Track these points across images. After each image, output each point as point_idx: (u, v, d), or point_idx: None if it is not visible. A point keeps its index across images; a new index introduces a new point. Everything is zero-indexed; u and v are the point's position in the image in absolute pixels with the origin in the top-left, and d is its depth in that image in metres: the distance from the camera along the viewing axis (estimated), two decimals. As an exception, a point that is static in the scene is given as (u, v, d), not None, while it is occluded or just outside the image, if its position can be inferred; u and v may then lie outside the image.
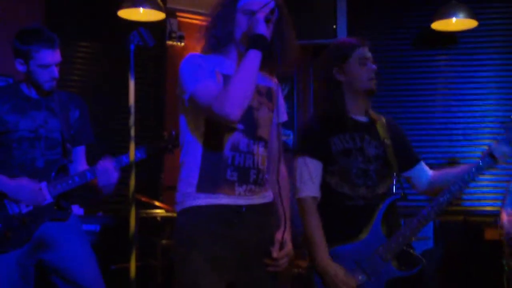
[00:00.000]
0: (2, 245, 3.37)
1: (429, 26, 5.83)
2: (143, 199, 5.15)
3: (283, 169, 2.94)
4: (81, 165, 3.67)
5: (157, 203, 5.29)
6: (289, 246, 2.83)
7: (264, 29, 2.61)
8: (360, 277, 3.11)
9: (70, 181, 3.48)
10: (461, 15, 5.63)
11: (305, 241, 3.21)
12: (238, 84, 2.55)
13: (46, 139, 3.50)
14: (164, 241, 5.13)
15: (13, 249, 3.38)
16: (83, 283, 3.44)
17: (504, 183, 4.70)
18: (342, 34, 5.97)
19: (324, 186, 3.21)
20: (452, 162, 5.91)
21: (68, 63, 5.73)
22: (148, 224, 5.27)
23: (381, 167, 3.24)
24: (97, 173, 3.45)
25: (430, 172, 3.39)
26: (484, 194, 5.83)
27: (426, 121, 6.09)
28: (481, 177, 3.21)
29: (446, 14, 5.67)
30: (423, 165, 3.40)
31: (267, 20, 2.64)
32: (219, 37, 2.75)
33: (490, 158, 3.15)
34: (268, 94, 2.85)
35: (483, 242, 5.30)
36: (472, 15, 5.65)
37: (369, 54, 3.24)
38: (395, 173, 3.29)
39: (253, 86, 2.61)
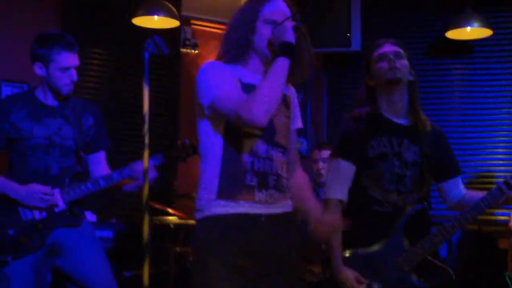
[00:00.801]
0: (16, 251, 3.39)
1: (444, 35, 5.82)
2: (157, 206, 5.16)
3: (300, 172, 2.97)
4: (104, 170, 3.70)
5: (170, 210, 5.29)
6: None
7: (292, 37, 2.65)
8: (376, 286, 3.10)
9: (83, 188, 3.51)
10: (475, 24, 5.62)
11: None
12: (266, 89, 2.59)
13: (60, 146, 3.52)
14: (177, 248, 5.13)
15: (27, 255, 3.39)
16: None
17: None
18: (356, 43, 5.97)
19: (359, 188, 3.21)
20: (466, 172, 5.89)
21: (82, 70, 5.74)
22: (161, 231, 5.27)
23: (418, 174, 3.20)
24: (136, 173, 3.50)
25: (464, 190, 3.34)
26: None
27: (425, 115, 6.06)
28: (495, 185, 3.19)
29: (460, 23, 5.66)
30: (459, 181, 3.35)
31: (295, 29, 2.67)
32: (238, 46, 2.76)
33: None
34: (285, 101, 2.85)
35: (497, 252, 5.28)
36: (486, 24, 5.64)
37: (387, 50, 3.18)
38: (430, 183, 3.26)
39: (281, 93, 2.65)
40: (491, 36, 5.77)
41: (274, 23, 2.72)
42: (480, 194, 3.25)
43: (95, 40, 5.90)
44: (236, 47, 2.77)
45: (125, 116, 5.90)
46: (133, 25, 5.55)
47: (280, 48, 2.66)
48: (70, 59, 3.48)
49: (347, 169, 3.20)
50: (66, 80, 3.49)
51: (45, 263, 3.45)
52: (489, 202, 3.12)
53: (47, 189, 3.43)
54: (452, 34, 5.78)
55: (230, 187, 2.70)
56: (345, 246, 3.15)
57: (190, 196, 5.33)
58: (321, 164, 4.81)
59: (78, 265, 3.47)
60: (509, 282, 4.20)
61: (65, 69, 3.47)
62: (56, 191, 3.46)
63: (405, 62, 3.17)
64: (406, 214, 3.15)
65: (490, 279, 5.24)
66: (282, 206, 2.78)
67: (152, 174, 3.48)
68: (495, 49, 6.09)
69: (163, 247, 5.11)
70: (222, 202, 2.70)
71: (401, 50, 3.18)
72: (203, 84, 2.71)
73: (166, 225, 5.30)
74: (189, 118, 6.20)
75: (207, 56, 6.21)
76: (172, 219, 5.38)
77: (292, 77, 2.77)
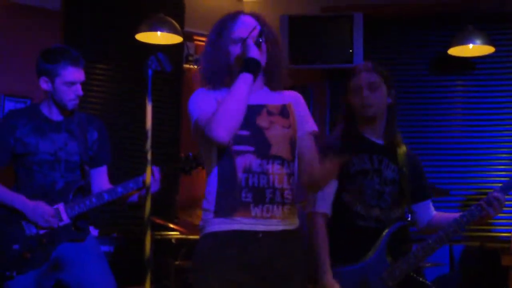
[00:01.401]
0: (20, 266, 3.39)
1: (446, 52, 5.84)
2: (158, 221, 5.16)
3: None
4: (105, 184, 3.72)
5: (171, 225, 5.29)
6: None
7: (255, 52, 2.69)
8: None
9: (87, 202, 3.51)
10: (478, 41, 5.63)
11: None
12: (226, 106, 2.64)
13: (66, 162, 3.54)
14: (178, 263, 5.12)
15: (32, 269, 3.40)
16: None
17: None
18: (358, 59, 5.98)
19: (340, 203, 3.24)
20: (468, 189, 5.89)
21: (85, 85, 5.74)
22: (163, 246, 5.27)
23: (396, 191, 3.26)
24: (140, 184, 3.52)
25: (433, 212, 3.42)
26: (500, 220, 5.79)
27: (442, 146, 6.07)
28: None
29: (463, 40, 5.68)
30: (430, 204, 3.44)
31: (257, 44, 2.71)
32: (216, 72, 2.81)
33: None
34: (283, 112, 2.84)
35: (499, 269, 5.26)
36: (489, 41, 5.66)
37: (362, 81, 3.26)
38: (406, 201, 3.31)
39: (243, 108, 2.66)
40: (493, 53, 5.78)
41: (242, 40, 2.76)
42: (448, 214, 3.35)
43: (98, 55, 5.91)
44: (214, 73, 2.81)
45: (128, 131, 5.89)
46: (137, 40, 5.56)
47: (243, 64, 2.70)
48: (76, 74, 3.51)
49: (330, 184, 3.19)
50: (71, 95, 3.51)
51: (48, 276, 3.46)
52: (467, 219, 3.18)
53: (52, 210, 3.44)
54: (454, 51, 5.79)
55: (226, 205, 2.72)
56: (331, 262, 3.15)
57: (191, 211, 5.35)
58: None
59: (82, 280, 3.47)
60: None
61: (71, 83, 3.49)
62: (61, 206, 3.47)
63: (379, 93, 3.25)
64: (388, 231, 3.19)
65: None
66: (284, 224, 2.76)
67: (155, 186, 3.50)
68: (498, 66, 6.09)
69: (164, 262, 5.11)
70: (219, 220, 2.72)
71: (377, 79, 3.25)
72: (190, 108, 2.80)
73: (168, 240, 5.30)
74: (191, 133, 6.20)
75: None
76: (174, 234, 5.38)
77: (272, 84, 2.85)
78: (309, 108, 2.99)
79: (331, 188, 3.22)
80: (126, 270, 5.03)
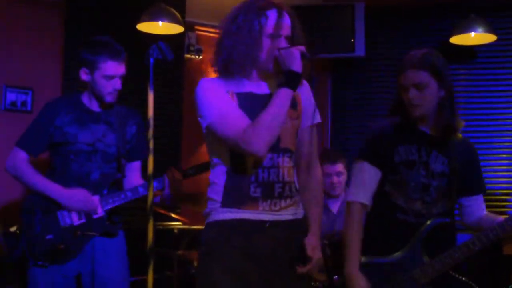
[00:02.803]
0: (53, 256, 3.39)
1: (448, 40, 5.83)
2: (160, 211, 5.16)
3: (317, 172, 2.90)
4: (136, 180, 3.70)
5: (173, 215, 5.30)
6: (318, 254, 2.77)
7: (299, 67, 2.60)
8: None
9: (122, 196, 3.52)
10: (480, 29, 5.62)
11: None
12: (267, 122, 2.56)
13: (103, 153, 3.53)
14: (180, 253, 5.13)
15: (64, 262, 3.42)
16: None
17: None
18: (360, 48, 5.98)
19: (382, 194, 3.15)
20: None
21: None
22: (165, 236, 5.27)
23: (444, 185, 3.13)
24: (166, 183, 3.50)
25: (484, 211, 3.27)
26: (503, 210, 5.79)
27: (463, 123, 6.05)
28: (499, 191, 3.18)
29: (465, 29, 5.67)
30: (481, 199, 3.28)
31: (303, 57, 2.62)
32: (236, 61, 2.69)
33: None
34: (292, 102, 2.74)
35: (502, 257, 5.27)
36: (491, 30, 5.65)
37: (409, 80, 3.04)
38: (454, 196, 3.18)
39: (282, 124, 2.60)
40: (495, 41, 5.77)
41: (279, 37, 2.67)
42: (499, 217, 3.19)
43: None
44: (234, 64, 2.70)
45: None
46: (138, 31, 5.55)
47: (285, 77, 2.62)
48: (115, 68, 3.49)
49: (373, 173, 3.15)
50: (109, 88, 3.51)
51: (74, 268, 3.46)
52: None
53: (89, 195, 3.45)
54: (457, 40, 5.78)
55: (234, 198, 2.70)
56: (363, 251, 3.10)
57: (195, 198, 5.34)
58: (335, 178, 4.69)
59: (98, 274, 3.48)
60: None
61: (110, 77, 3.49)
62: (96, 198, 3.47)
63: (428, 92, 3.03)
64: (428, 225, 3.07)
65: (495, 284, 5.23)
66: (290, 214, 2.75)
67: (166, 193, 3.51)
68: (499, 55, 6.09)
69: (167, 252, 5.11)
70: (226, 210, 2.71)
71: (423, 78, 3.02)
72: (200, 105, 2.70)
73: (170, 230, 5.30)
74: (193, 123, 6.20)
75: (211, 62, 6.21)
76: (176, 224, 5.38)
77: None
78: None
79: (374, 177, 3.15)
80: (128, 260, 5.05)
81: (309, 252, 2.73)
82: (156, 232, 5.09)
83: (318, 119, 2.89)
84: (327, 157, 4.69)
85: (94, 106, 3.59)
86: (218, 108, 2.65)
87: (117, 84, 3.52)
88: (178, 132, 6.19)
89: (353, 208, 3.15)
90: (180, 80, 6.27)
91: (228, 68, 2.72)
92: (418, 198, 3.09)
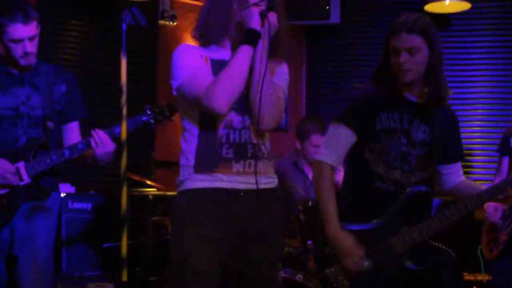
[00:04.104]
0: None
1: (422, 8, 5.83)
2: (135, 177, 5.16)
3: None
4: (75, 140, 3.51)
5: (148, 182, 5.30)
6: None
7: (257, 24, 2.64)
8: (365, 263, 3.03)
9: (48, 160, 3.36)
10: (454, -3, 5.63)
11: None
12: (227, 78, 2.60)
13: (28, 117, 3.41)
14: (155, 219, 5.14)
15: None
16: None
17: (496, 164, 4.73)
18: (335, 16, 5.97)
19: (361, 162, 3.13)
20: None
21: (60, 42, 5.72)
22: (140, 202, 5.28)
23: (424, 154, 3.12)
24: (92, 144, 3.32)
25: (461, 177, 3.28)
26: (475, 175, 5.87)
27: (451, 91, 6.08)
28: (474, 158, 3.20)
29: (439, -4, 5.67)
30: (460, 167, 3.29)
31: (262, 15, 2.64)
32: (212, 27, 2.73)
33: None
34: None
35: (473, 222, 5.34)
36: (465, -3, 5.66)
37: (402, 44, 2.98)
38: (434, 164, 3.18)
39: (243, 81, 2.63)
40: (469, 9, 5.79)
41: (246, 2, 2.68)
42: (476, 185, 3.25)
43: (72, 11, 5.85)
44: (210, 28, 2.73)
45: (102, 88, 5.87)
46: (111, -4, 5.51)
47: (244, 35, 2.65)
48: (20, 31, 3.29)
49: (347, 137, 3.11)
50: (19, 52, 3.34)
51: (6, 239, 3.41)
52: (491, 194, 3.07)
53: (12, 168, 3.33)
54: (431, 8, 5.78)
55: (206, 161, 2.71)
56: (341, 218, 3.07)
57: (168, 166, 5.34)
58: None
59: (18, 231, 3.40)
60: (480, 257, 4.25)
61: (17, 41, 3.31)
62: (21, 165, 3.34)
63: (419, 57, 3.00)
64: (407, 193, 3.08)
65: (465, 252, 5.30)
66: (263, 182, 2.75)
67: (111, 146, 3.35)
68: (474, 23, 6.12)
69: (142, 218, 5.12)
70: (199, 177, 2.71)
71: (417, 42, 2.97)
72: (174, 67, 2.72)
73: (145, 196, 5.31)
74: (167, 90, 6.17)
75: (185, 28, 6.17)
76: (150, 190, 5.39)
77: (272, 58, 2.75)
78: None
79: (347, 141, 3.11)
80: (103, 227, 5.06)
81: None
82: (131, 198, 5.09)
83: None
84: (317, 129, 4.65)
85: (15, 69, 3.44)
86: (190, 69, 2.67)
87: (28, 47, 3.33)
88: (152, 100, 6.17)
89: (324, 169, 3.12)
90: (154, 46, 6.23)
91: (206, 34, 2.74)
92: (398, 166, 3.09)
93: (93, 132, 3.33)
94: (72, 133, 3.58)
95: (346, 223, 3.08)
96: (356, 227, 3.10)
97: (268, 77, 2.67)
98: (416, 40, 2.98)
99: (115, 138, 3.36)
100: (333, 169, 3.14)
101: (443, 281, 3.09)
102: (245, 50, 2.63)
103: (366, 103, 3.12)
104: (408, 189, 3.09)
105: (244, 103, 2.72)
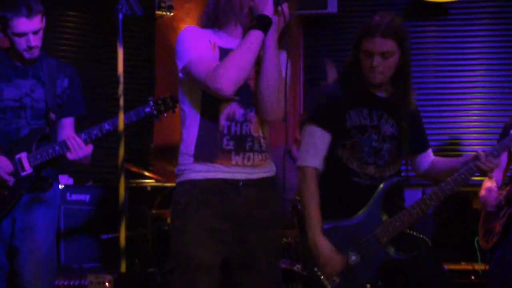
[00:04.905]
0: None
1: (419, -3, 5.83)
2: (133, 169, 5.16)
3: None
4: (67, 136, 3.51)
5: (146, 173, 5.30)
6: None
7: (270, 11, 2.63)
8: (353, 257, 3.10)
9: (50, 151, 3.38)
10: (451, -15, 5.62)
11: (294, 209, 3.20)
12: (235, 61, 2.58)
13: (32, 108, 3.44)
14: (154, 211, 5.15)
15: None
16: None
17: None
18: (332, 5, 5.96)
19: (334, 158, 3.19)
20: (442, 134, 5.94)
21: (57, 33, 5.71)
22: (138, 193, 5.29)
23: (394, 147, 3.20)
24: (64, 150, 3.34)
25: (432, 158, 3.40)
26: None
27: (415, 92, 6.08)
28: (471, 147, 3.23)
29: (436, -15, 5.66)
30: (430, 152, 3.41)
31: (275, 3, 2.64)
32: (222, 10, 2.73)
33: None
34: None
35: (471, 212, 5.34)
36: (462, -14, 5.65)
37: (377, 48, 3.06)
38: (404, 155, 3.27)
39: (251, 66, 2.62)
40: (467, -2, 5.78)
41: None
42: (448, 160, 3.36)
43: (69, 2, 5.84)
44: (219, 13, 2.73)
45: (99, 78, 5.86)
46: (107, -14, 5.48)
47: (256, 20, 2.63)
48: (24, 24, 3.31)
49: (324, 137, 3.18)
50: (23, 46, 3.36)
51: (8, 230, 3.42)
52: (466, 176, 3.15)
53: (10, 167, 3.34)
54: (428, -4, 5.78)
55: (206, 150, 2.71)
56: (323, 217, 3.14)
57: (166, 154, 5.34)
58: None
59: (19, 224, 3.42)
60: (477, 248, 4.27)
61: (21, 35, 3.33)
62: (23, 155, 3.37)
63: (391, 60, 3.09)
64: (383, 187, 3.15)
65: (463, 241, 5.32)
66: (263, 171, 2.78)
67: (87, 149, 3.35)
68: (471, 11, 6.09)
69: (140, 210, 5.13)
70: (199, 167, 2.71)
71: (391, 47, 3.06)
72: (179, 47, 2.71)
73: (143, 187, 5.32)
74: (164, 80, 6.18)
75: (182, 19, 6.17)
76: (149, 182, 5.40)
77: (281, 47, 2.76)
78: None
79: (325, 142, 3.18)
80: (102, 218, 5.06)
81: None
82: (129, 189, 5.10)
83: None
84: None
85: (19, 62, 3.47)
86: (197, 51, 2.66)
87: (32, 40, 3.35)
88: (149, 90, 6.16)
89: (307, 173, 3.18)
90: (151, 37, 6.22)
91: (215, 18, 2.75)
92: (372, 162, 3.16)
93: (68, 138, 3.34)
94: (66, 128, 3.59)
95: (331, 221, 3.15)
96: (341, 223, 3.17)
97: (278, 67, 2.67)
98: (390, 45, 3.06)
99: (105, 135, 3.39)
100: (317, 170, 3.19)
101: (424, 270, 3.15)
102: (255, 35, 2.62)
103: (334, 102, 3.19)
104: (386, 181, 3.17)
105: (248, 96, 2.72)
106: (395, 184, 3.19)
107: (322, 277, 3.12)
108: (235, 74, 2.57)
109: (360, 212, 3.16)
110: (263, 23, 2.62)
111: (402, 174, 3.31)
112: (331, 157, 3.20)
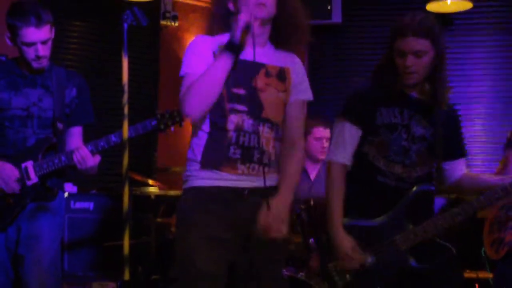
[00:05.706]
0: None
1: (424, 8, 5.83)
2: (137, 177, 5.16)
3: (299, 152, 2.88)
4: (75, 145, 3.51)
5: (151, 182, 5.31)
6: (275, 211, 2.69)
7: (237, 37, 2.62)
8: (369, 259, 3.06)
9: (56, 161, 3.38)
10: (456, -4, 5.63)
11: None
12: (202, 85, 2.64)
13: (38, 118, 3.43)
14: (158, 219, 5.15)
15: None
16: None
17: (497, 162, 4.72)
18: (336, 15, 5.98)
19: (361, 155, 3.15)
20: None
21: (62, 42, 5.72)
22: (142, 202, 5.28)
23: (424, 149, 3.12)
24: (71, 161, 3.35)
25: (464, 170, 3.27)
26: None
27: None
28: (475, 156, 3.21)
29: (441, -4, 5.67)
30: (463, 163, 3.28)
31: (247, 27, 2.63)
32: (217, 16, 2.79)
33: None
34: (280, 75, 2.81)
35: (475, 221, 5.33)
36: (467, -3, 5.66)
37: (409, 47, 2.99)
38: (436, 161, 3.19)
39: (218, 88, 2.66)
40: (471, 8, 5.78)
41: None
42: (479, 177, 3.28)
43: (74, 12, 5.87)
44: (216, 20, 2.79)
45: (104, 87, 5.87)
46: (113, -4, 5.51)
47: (226, 44, 2.65)
48: (33, 34, 3.30)
49: (353, 133, 3.14)
50: (31, 55, 3.34)
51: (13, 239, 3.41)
52: (499, 196, 3.07)
53: (17, 174, 3.34)
54: (433, 7, 5.78)
55: (213, 158, 2.72)
56: (345, 213, 3.10)
57: (169, 171, 5.35)
58: (326, 143, 4.66)
59: (24, 232, 3.40)
60: (485, 258, 4.23)
61: (29, 44, 3.32)
62: (29, 164, 3.36)
63: (425, 60, 3.01)
64: (413, 192, 3.09)
65: (468, 247, 5.31)
66: (267, 180, 2.74)
67: (94, 160, 3.36)
68: (475, 22, 6.12)
69: (144, 218, 5.13)
70: (205, 174, 2.73)
71: (424, 46, 2.99)
72: (183, 58, 2.77)
73: (147, 196, 5.32)
74: (168, 90, 6.20)
75: (187, 29, 6.20)
76: (153, 190, 5.40)
77: (288, 45, 2.80)
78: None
79: (355, 137, 3.14)
80: (105, 226, 5.07)
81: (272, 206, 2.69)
82: (133, 197, 5.10)
83: (309, 96, 2.91)
84: (318, 122, 4.67)
85: (28, 71, 3.46)
86: (189, 67, 2.73)
87: (40, 50, 3.34)
88: (153, 100, 6.18)
89: (334, 168, 3.16)
90: (156, 47, 6.24)
91: (217, 24, 2.80)
92: (400, 161, 3.10)
93: (74, 151, 3.35)
94: (74, 137, 3.58)
95: (352, 219, 3.11)
96: (362, 223, 3.12)
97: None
98: (424, 44, 2.99)
99: (112, 147, 3.39)
100: (345, 167, 3.16)
101: (443, 280, 3.10)
102: (223, 59, 2.65)
103: (366, 98, 3.15)
104: (415, 187, 3.09)
105: (256, 107, 2.73)
106: (426, 192, 3.12)
107: (334, 273, 3.11)
108: (198, 100, 2.64)
109: (384, 215, 3.10)
110: (230, 48, 2.64)
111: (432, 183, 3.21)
112: (358, 154, 3.16)
